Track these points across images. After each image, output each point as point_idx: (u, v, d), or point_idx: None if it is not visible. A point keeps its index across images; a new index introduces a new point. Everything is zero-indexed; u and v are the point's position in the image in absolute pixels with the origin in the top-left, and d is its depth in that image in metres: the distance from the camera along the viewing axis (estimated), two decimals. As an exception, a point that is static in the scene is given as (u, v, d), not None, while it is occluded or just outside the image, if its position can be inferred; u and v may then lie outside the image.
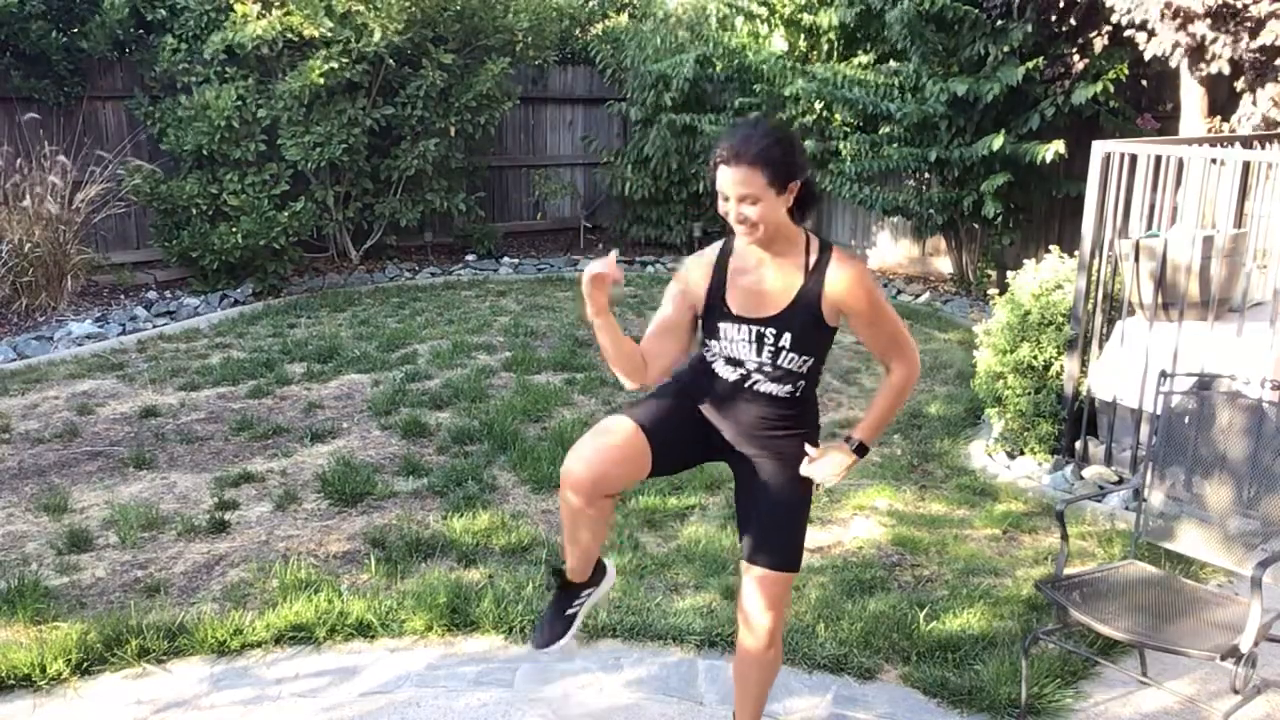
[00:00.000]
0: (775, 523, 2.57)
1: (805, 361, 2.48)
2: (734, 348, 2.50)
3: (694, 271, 2.57)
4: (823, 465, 2.50)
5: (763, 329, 2.46)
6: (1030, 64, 7.63)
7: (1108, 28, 7.42)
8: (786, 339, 2.45)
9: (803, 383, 2.52)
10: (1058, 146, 7.62)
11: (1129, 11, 6.24)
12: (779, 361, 2.47)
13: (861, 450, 2.56)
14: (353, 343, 7.08)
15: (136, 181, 7.95)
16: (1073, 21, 7.70)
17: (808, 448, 2.53)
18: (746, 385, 2.52)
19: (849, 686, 3.22)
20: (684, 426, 2.58)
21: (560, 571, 2.74)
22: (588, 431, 2.49)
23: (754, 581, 2.57)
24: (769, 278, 2.48)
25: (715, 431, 2.61)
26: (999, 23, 7.91)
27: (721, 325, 2.50)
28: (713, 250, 2.58)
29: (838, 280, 2.43)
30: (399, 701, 3.10)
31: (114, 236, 8.57)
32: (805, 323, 2.45)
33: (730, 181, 2.36)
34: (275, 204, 8.27)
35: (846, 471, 2.53)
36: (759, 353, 2.47)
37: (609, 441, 2.44)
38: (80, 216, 7.85)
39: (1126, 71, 7.47)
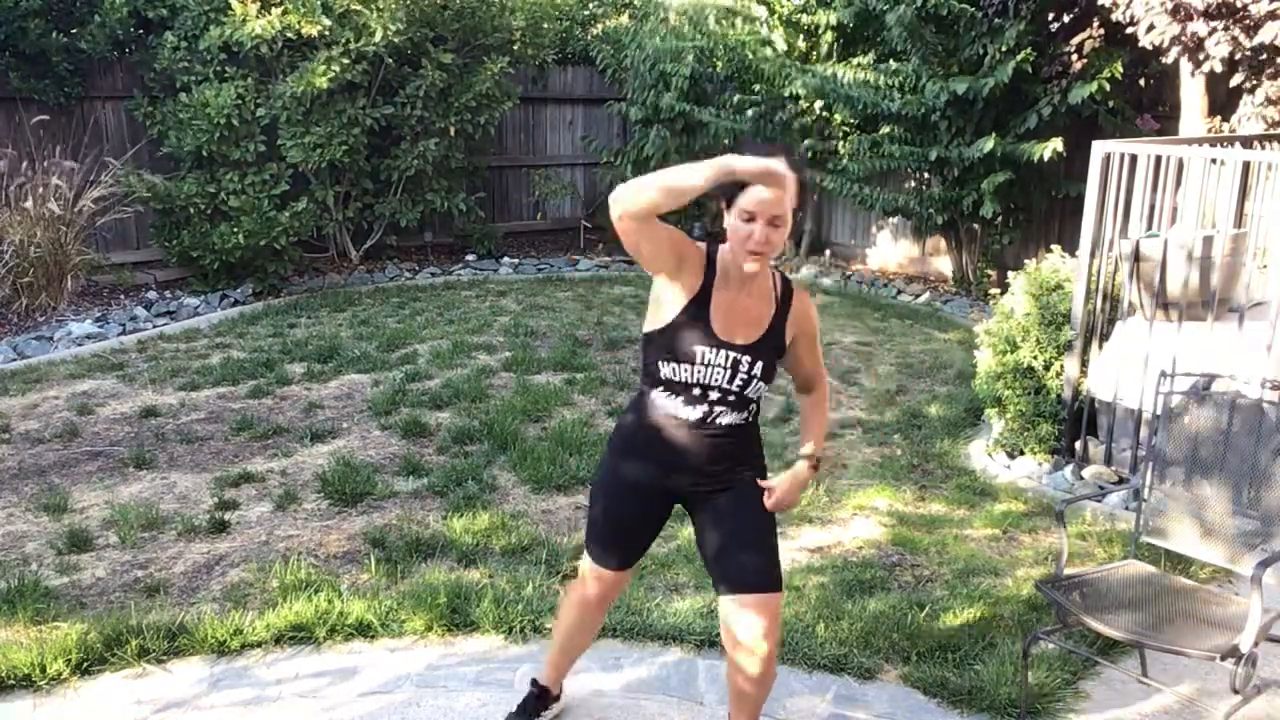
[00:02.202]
0: (757, 546, 2.53)
1: (763, 388, 2.49)
2: (709, 373, 2.39)
3: (690, 258, 2.40)
4: (785, 491, 2.53)
5: (739, 356, 2.39)
6: (1020, 57, 7.63)
7: (1102, 29, 7.42)
8: (758, 368, 2.42)
9: (754, 406, 2.52)
10: (1055, 144, 7.62)
11: (1127, 6, 6.23)
12: (746, 390, 2.43)
13: (818, 464, 2.62)
14: (353, 343, 7.08)
15: (132, 184, 7.93)
16: (1065, 19, 7.70)
17: (765, 481, 2.55)
18: (709, 421, 2.44)
19: (849, 686, 3.22)
20: (642, 522, 2.65)
21: (535, 681, 2.97)
22: (580, 577, 2.76)
23: (748, 609, 2.47)
24: (746, 303, 2.43)
25: (669, 491, 2.58)
26: (995, 21, 7.92)
27: (699, 349, 2.38)
28: (702, 252, 2.42)
29: (802, 309, 2.51)
30: (399, 702, 3.10)
31: (114, 237, 8.56)
32: (772, 351, 2.46)
33: (769, 200, 2.20)
34: (275, 204, 8.27)
35: (803, 488, 2.60)
36: (731, 380, 2.41)
37: (605, 593, 2.73)
38: (84, 219, 7.84)
39: (1121, 70, 7.47)
